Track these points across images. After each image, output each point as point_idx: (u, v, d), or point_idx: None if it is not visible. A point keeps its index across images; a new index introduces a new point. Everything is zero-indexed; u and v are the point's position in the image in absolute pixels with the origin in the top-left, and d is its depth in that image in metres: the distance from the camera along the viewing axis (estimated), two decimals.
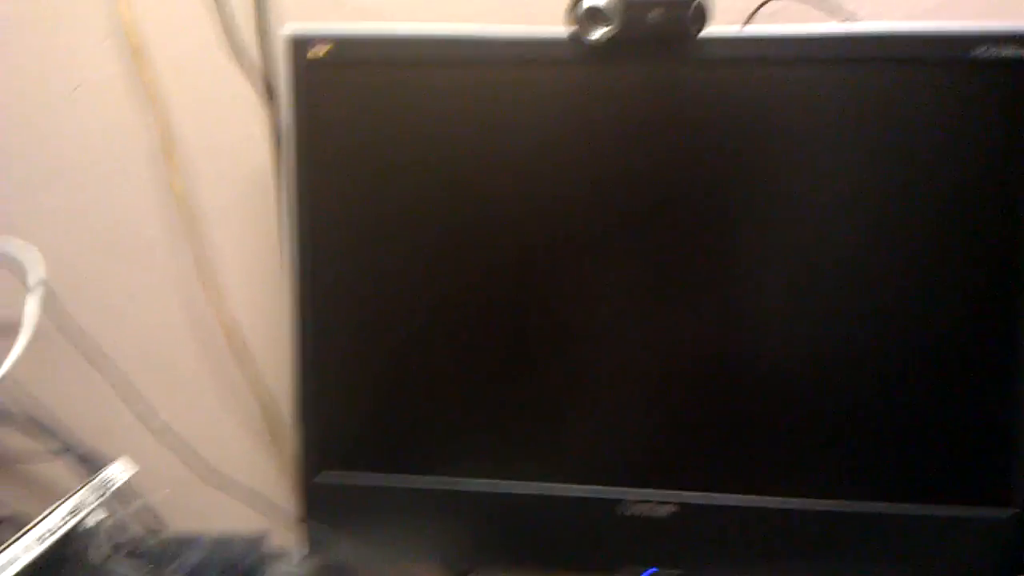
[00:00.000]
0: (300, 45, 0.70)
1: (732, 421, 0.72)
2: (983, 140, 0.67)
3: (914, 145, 0.67)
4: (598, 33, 0.67)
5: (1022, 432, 0.68)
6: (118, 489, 0.76)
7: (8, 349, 0.78)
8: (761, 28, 0.68)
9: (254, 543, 0.74)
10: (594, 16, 0.67)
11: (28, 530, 0.70)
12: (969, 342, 0.68)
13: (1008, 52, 0.65)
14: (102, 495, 0.74)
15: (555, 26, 0.67)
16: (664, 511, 0.72)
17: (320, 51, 0.70)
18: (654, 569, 0.73)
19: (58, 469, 0.83)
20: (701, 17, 0.66)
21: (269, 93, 0.81)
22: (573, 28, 0.67)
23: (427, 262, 0.73)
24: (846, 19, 0.75)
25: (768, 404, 0.71)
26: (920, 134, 0.67)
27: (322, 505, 0.76)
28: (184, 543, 0.74)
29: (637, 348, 0.72)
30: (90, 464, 0.78)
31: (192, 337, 0.87)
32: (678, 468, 0.72)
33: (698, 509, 0.72)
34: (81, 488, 0.74)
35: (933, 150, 0.67)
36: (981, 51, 0.65)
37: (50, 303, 0.82)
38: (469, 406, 0.74)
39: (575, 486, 0.73)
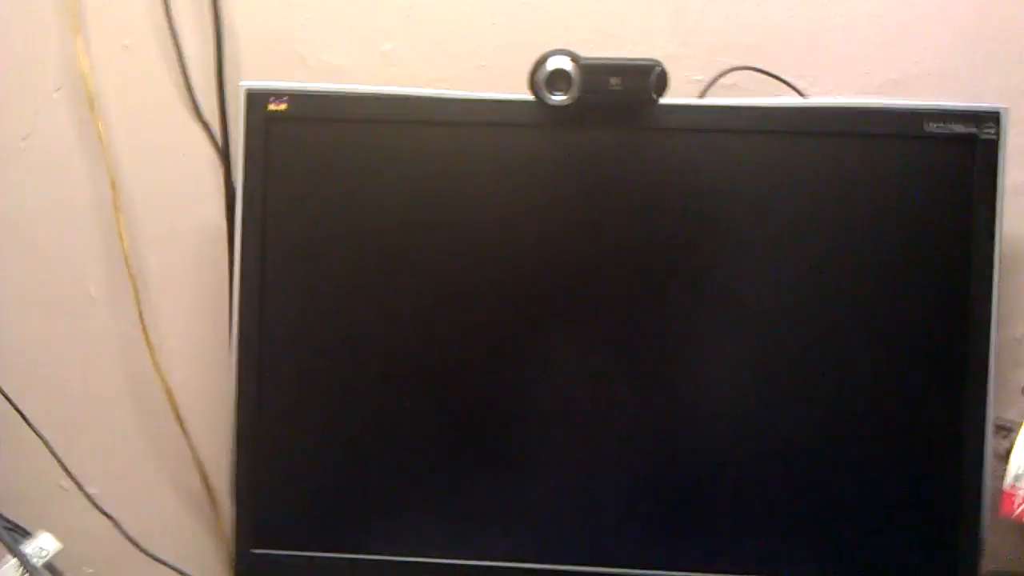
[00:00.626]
0: (258, 100, 0.70)
1: (685, 500, 0.71)
2: (935, 211, 0.68)
3: (868, 216, 0.69)
4: (560, 98, 0.68)
5: (967, 513, 0.68)
6: (42, 565, 0.72)
7: None
8: (719, 99, 0.69)
9: None
10: (556, 81, 0.67)
11: None
12: (919, 425, 0.69)
13: (958, 128, 0.67)
14: (25, 571, 0.70)
15: (520, 93, 0.68)
16: None
17: (278, 106, 0.70)
18: None
19: None
20: (662, 84, 0.67)
21: (224, 149, 0.80)
22: (536, 92, 0.67)
23: (377, 335, 0.72)
24: (802, 91, 0.77)
25: (722, 484, 0.71)
26: (873, 205, 0.69)
27: None
28: None
29: (589, 425, 0.71)
30: (14, 537, 0.74)
31: (129, 402, 0.85)
32: (629, 545, 0.71)
33: None
34: (1, 564, 0.71)
35: (886, 221, 0.69)
36: (932, 127, 0.68)
37: None
38: (411, 483, 0.73)
39: (522, 564, 0.72)
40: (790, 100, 0.70)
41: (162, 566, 0.76)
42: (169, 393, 0.83)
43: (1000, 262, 0.67)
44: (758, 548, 0.70)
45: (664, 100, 0.67)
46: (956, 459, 0.68)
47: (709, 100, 0.73)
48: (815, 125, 0.69)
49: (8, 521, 0.78)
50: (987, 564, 0.68)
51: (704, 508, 0.71)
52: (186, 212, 0.82)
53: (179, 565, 0.77)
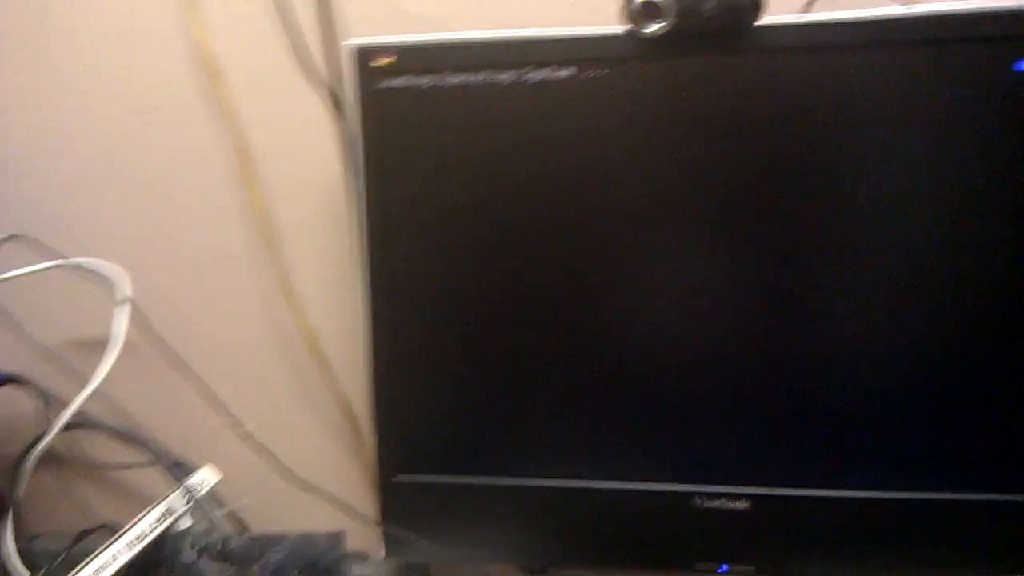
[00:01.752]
0: (365, 56, 0.72)
1: (804, 415, 0.71)
2: None
3: (985, 124, 0.66)
4: (653, 27, 0.67)
5: None
6: (205, 495, 0.79)
7: (100, 363, 0.82)
8: (818, 15, 0.67)
9: (333, 541, 0.76)
10: (649, 10, 0.67)
11: (120, 536, 0.73)
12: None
13: None
14: (189, 501, 0.78)
15: (612, 25, 0.68)
16: (738, 505, 0.72)
17: (383, 61, 0.72)
18: (724, 568, 0.73)
19: (148, 477, 0.85)
20: (756, 6, 0.66)
21: (337, 106, 0.82)
22: (628, 24, 0.67)
23: (497, 266, 0.73)
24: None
25: (839, 399, 0.70)
26: (989, 113, 0.66)
27: (400, 507, 0.77)
28: (267, 543, 0.75)
29: (710, 343, 0.72)
30: (179, 471, 0.81)
31: (274, 347, 0.89)
32: (751, 463, 0.72)
33: (772, 503, 0.71)
34: (170, 495, 0.78)
35: (1004, 128, 0.66)
36: None
37: (137, 319, 0.85)
38: (542, 406, 0.74)
39: (649, 483, 0.73)
40: (889, 9, 0.67)
41: (313, 494, 0.82)
42: (310, 335, 0.87)
43: None
44: (874, 462, 0.70)
45: (762, 20, 0.66)
46: None
47: (808, 16, 0.71)
48: (915, 33, 0.66)
49: (174, 457, 0.84)
50: None
51: (825, 424, 0.71)
52: (310, 169, 0.86)
53: (330, 494, 0.83)
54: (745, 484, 0.72)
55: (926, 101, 0.67)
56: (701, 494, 0.73)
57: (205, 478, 0.80)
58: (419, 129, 0.73)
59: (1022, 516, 0.69)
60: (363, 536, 0.81)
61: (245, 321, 0.89)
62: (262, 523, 0.84)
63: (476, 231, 0.74)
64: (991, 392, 0.68)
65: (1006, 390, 0.68)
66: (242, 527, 0.85)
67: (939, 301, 0.68)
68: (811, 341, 0.70)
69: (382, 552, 0.78)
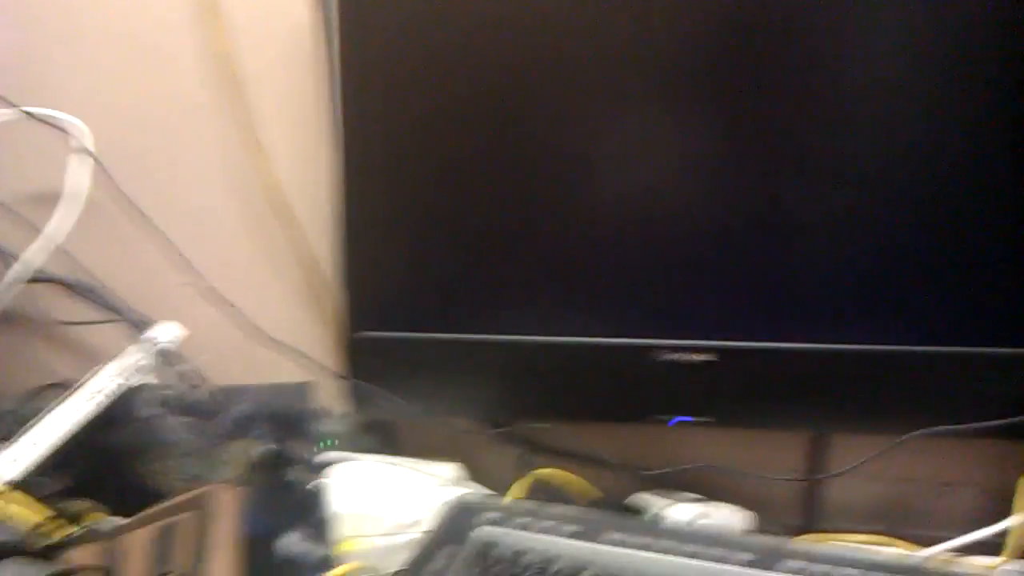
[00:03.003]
0: None
1: (766, 268, 0.71)
2: None
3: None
4: None
5: None
6: (166, 351, 0.78)
7: (58, 218, 0.80)
8: None
9: (301, 392, 0.75)
10: None
11: (77, 388, 0.72)
12: (994, 201, 0.67)
13: None
14: (150, 356, 0.76)
15: None
16: (701, 358, 0.72)
17: None
18: (688, 419, 0.73)
19: (109, 334, 0.84)
20: None
21: None
22: None
23: (469, 124, 0.72)
24: None
25: (803, 251, 0.70)
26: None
27: (364, 363, 0.77)
28: (230, 394, 0.75)
29: (673, 199, 0.71)
30: (140, 328, 0.80)
31: (237, 199, 0.87)
32: (715, 316, 0.72)
33: (733, 355, 0.72)
34: (131, 348, 0.76)
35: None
36: None
37: (97, 172, 0.83)
38: (507, 263, 0.74)
39: (614, 338, 0.73)
40: None
41: (276, 351, 0.81)
42: (274, 188, 0.85)
43: None
44: (839, 316, 0.70)
45: None
46: None
47: None
48: None
49: (135, 314, 0.84)
50: None
51: (788, 277, 0.71)
52: (278, 9, 0.82)
53: (292, 349, 0.81)
54: (707, 338, 0.72)
55: None
56: (663, 347, 0.73)
57: (166, 333, 0.79)
58: None
59: (977, 369, 0.69)
60: (327, 394, 0.80)
61: (207, 173, 0.87)
62: (224, 379, 0.82)
63: (450, 86, 0.72)
64: (950, 248, 0.68)
65: (961, 249, 0.68)
66: (203, 384, 0.84)
67: (901, 157, 0.68)
68: (774, 194, 0.70)
69: (347, 408, 0.78)
